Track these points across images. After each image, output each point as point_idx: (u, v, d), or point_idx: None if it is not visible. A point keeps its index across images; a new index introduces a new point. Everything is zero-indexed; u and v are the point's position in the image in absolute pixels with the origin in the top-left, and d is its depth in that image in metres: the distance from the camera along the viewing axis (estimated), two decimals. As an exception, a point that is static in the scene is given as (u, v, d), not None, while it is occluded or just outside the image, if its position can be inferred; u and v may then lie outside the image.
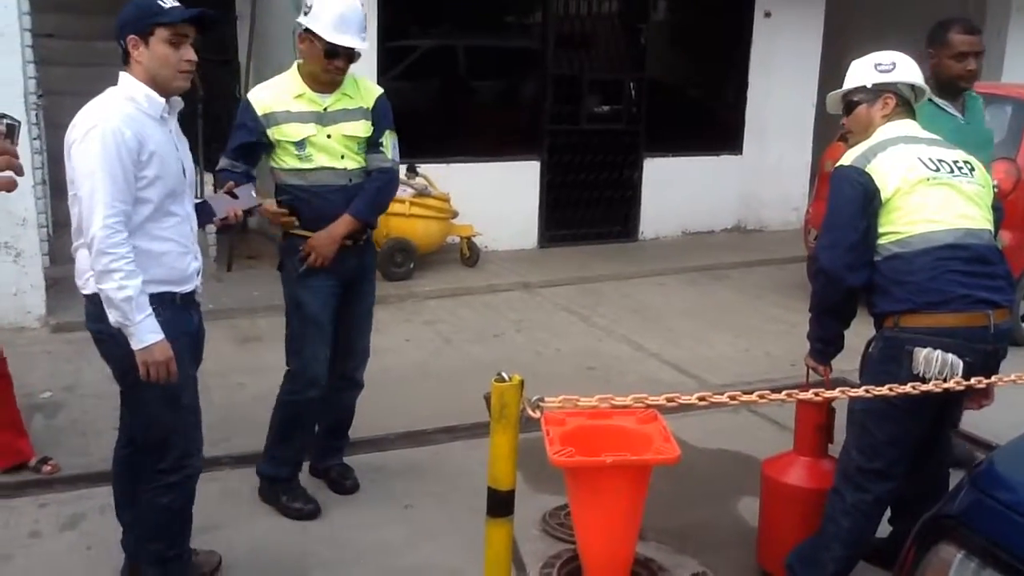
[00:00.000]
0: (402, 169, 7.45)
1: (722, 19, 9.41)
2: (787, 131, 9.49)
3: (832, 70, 10.39)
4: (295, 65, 3.56)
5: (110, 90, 2.77)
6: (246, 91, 5.15)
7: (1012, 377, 2.59)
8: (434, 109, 8.45)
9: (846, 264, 2.92)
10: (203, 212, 3.06)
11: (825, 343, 3.15)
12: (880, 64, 3.12)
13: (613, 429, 3.10)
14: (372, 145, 3.59)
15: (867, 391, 2.54)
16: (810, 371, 3.24)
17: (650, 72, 8.90)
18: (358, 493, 3.90)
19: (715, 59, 9.49)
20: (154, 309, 2.69)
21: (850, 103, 3.16)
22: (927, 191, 2.90)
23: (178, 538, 3.01)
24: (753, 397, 2.40)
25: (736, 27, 9.33)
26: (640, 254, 8.63)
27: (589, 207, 8.83)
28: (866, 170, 2.93)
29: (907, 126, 3.10)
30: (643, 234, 9.11)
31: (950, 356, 2.73)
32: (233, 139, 3.53)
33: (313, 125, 3.48)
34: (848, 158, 3.02)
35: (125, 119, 2.66)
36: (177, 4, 2.76)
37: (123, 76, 2.77)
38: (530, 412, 2.22)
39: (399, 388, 4.93)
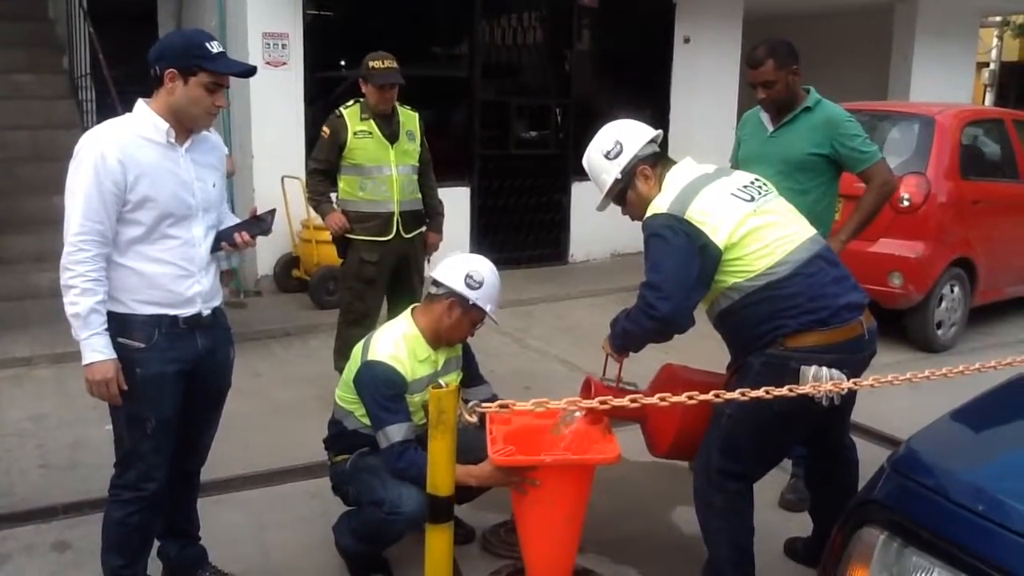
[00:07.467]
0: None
1: (643, 45, 9.67)
2: (709, 151, 9.62)
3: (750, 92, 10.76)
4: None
5: (123, 116, 2.81)
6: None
7: (890, 377, 2.64)
8: (363, 138, 8.44)
9: (685, 312, 2.83)
10: (218, 238, 2.95)
11: (629, 348, 3.16)
12: (608, 152, 3.05)
13: None
14: None
15: (742, 393, 2.52)
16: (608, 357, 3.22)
17: (576, 97, 9.07)
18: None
19: (638, 84, 9.71)
20: (148, 332, 2.75)
21: (619, 195, 3.09)
22: (760, 220, 2.85)
23: (137, 555, 2.97)
24: (681, 398, 2.47)
25: (657, 53, 9.60)
26: (571, 276, 8.73)
27: (520, 231, 8.94)
28: (685, 217, 2.82)
29: (689, 168, 3.04)
30: (573, 257, 9.24)
31: (835, 371, 2.71)
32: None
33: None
34: (659, 207, 2.89)
35: (113, 143, 2.67)
36: (223, 50, 2.75)
37: (139, 104, 2.78)
38: (467, 417, 2.24)
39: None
